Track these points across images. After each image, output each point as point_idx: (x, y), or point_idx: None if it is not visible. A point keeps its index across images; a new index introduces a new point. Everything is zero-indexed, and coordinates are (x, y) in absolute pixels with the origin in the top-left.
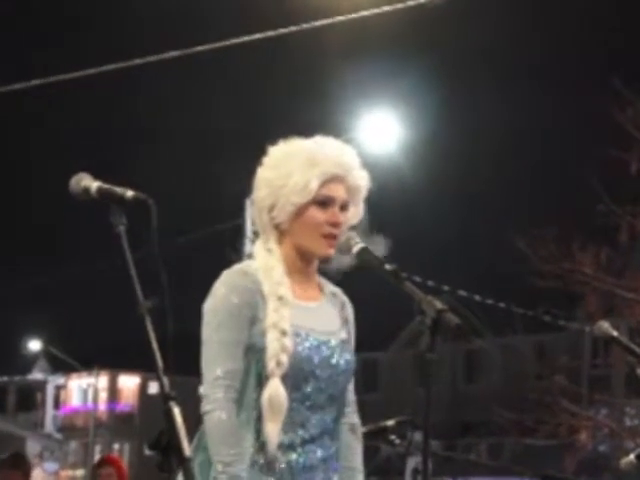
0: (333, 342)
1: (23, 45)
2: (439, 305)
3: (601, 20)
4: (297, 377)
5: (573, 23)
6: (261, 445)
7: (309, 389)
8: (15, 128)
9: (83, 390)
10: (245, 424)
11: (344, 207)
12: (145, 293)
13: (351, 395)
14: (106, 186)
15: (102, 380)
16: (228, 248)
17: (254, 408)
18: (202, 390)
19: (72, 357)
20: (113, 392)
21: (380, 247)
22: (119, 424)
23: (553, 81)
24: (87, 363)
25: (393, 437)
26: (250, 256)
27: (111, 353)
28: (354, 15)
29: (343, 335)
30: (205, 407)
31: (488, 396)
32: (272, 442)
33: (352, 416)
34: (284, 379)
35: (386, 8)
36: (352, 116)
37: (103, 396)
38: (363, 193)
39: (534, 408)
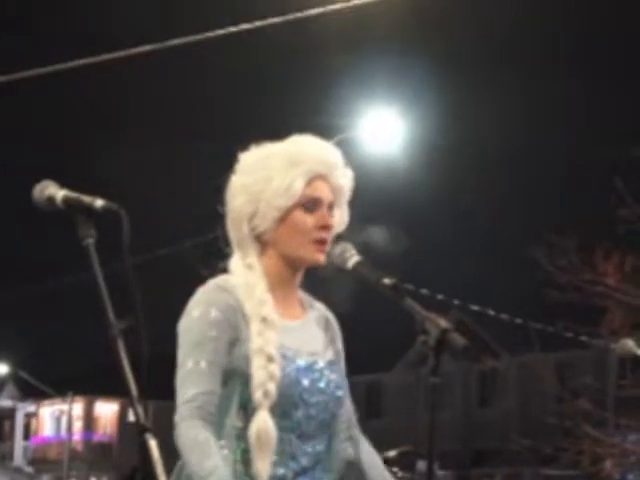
0: (321, 363)
1: None
2: (443, 324)
3: None
4: (285, 403)
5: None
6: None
7: (299, 416)
8: None
9: (56, 418)
10: (227, 450)
11: (331, 209)
12: (117, 312)
13: (349, 411)
14: (73, 195)
15: (77, 407)
16: (199, 264)
17: (238, 438)
18: (175, 415)
19: (44, 382)
20: (89, 420)
21: (377, 237)
22: (96, 456)
23: (572, 72)
24: (60, 388)
25: (395, 469)
26: (224, 271)
27: (87, 378)
28: (350, 4)
29: (329, 355)
30: (176, 430)
31: (504, 421)
32: (262, 479)
33: (353, 431)
34: (271, 407)
35: None
36: (352, 114)
37: (78, 425)
38: (347, 194)
39: (554, 434)
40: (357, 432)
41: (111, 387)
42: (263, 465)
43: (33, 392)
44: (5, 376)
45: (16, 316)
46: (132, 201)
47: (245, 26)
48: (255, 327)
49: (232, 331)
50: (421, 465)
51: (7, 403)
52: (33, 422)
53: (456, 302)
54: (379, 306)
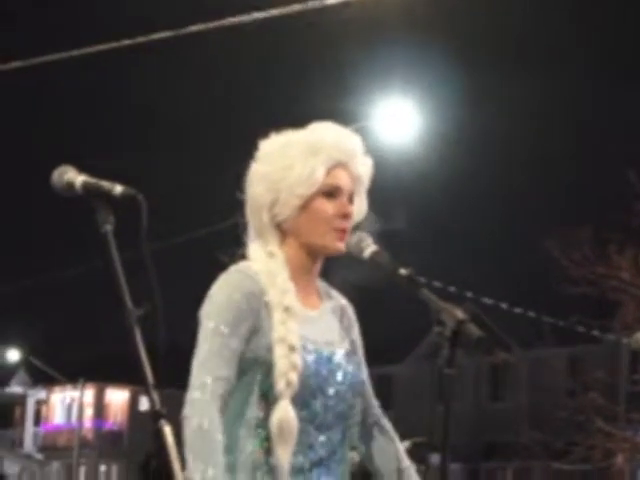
0: (338, 354)
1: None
2: (459, 315)
3: None
4: (305, 394)
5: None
6: (270, 469)
7: (317, 407)
8: None
9: (67, 405)
10: (246, 439)
11: (350, 197)
12: (134, 300)
13: (371, 397)
14: (92, 180)
15: (88, 394)
16: (220, 251)
17: (258, 427)
18: (187, 395)
19: (55, 369)
20: (100, 408)
21: (391, 228)
22: (106, 444)
23: (588, 68)
24: (71, 375)
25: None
26: (243, 258)
27: (98, 365)
28: None
29: (346, 345)
30: (185, 411)
31: (515, 415)
32: (283, 468)
33: (378, 416)
34: (292, 397)
35: None
36: (368, 104)
37: (89, 412)
38: (367, 183)
39: (565, 428)
40: (386, 422)
41: (122, 374)
42: (284, 454)
43: (44, 379)
44: (16, 362)
45: (28, 303)
46: (149, 187)
47: (260, 14)
48: (278, 316)
49: (254, 318)
50: (434, 458)
51: (18, 389)
52: (43, 409)
53: (469, 295)
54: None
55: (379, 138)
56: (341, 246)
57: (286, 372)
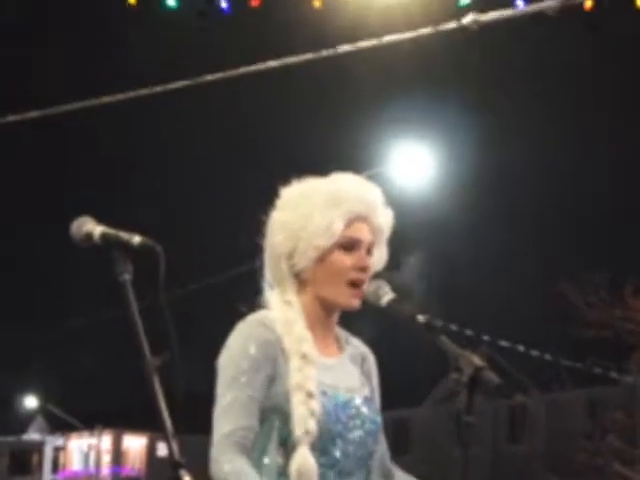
0: (357, 400)
1: (21, 75)
2: (478, 362)
3: None
4: (325, 440)
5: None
6: None
7: (337, 453)
8: (8, 170)
9: (84, 452)
10: None
11: (369, 250)
12: (152, 348)
13: (384, 441)
14: (111, 231)
15: (105, 441)
16: (238, 300)
17: (280, 474)
18: (211, 449)
19: (72, 415)
20: (118, 454)
21: (408, 273)
22: None
23: (599, 108)
24: (89, 422)
25: None
26: (263, 306)
27: (115, 411)
28: (382, 41)
29: (366, 392)
30: (211, 468)
31: (532, 458)
32: None
33: (387, 460)
34: (311, 443)
35: (407, 35)
36: (384, 149)
37: (106, 459)
38: (387, 234)
39: (583, 472)
40: (391, 465)
41: (140, 421)
42: None
43: (61, 425)
44: (34, 409)
45: (46, 350)
46: (166, 235)
47: (274, 63)
48: (295, 363)
49: (271, 366)
50: None
51: (36, 436)
52: (61, 456)
53: (486, 338)
54: (407, 342)
55: (395, 184)
56: (355, 303)
57: (304, 419)
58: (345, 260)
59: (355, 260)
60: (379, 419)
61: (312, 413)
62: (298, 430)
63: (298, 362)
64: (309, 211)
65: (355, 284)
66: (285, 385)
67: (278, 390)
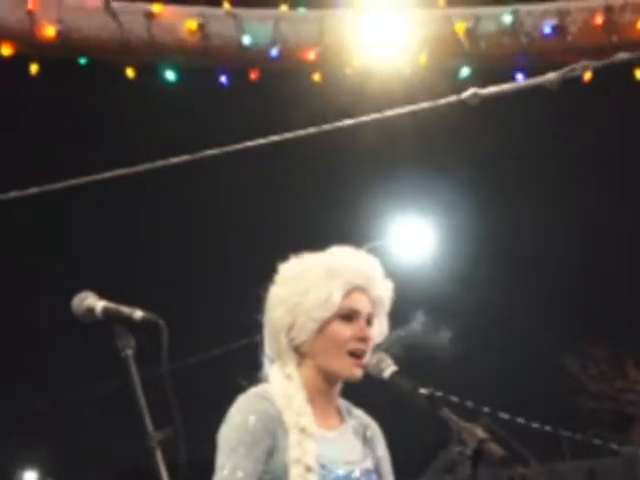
0: (357, 473)
1: (15, 152)
2: (480, 434)
3: None
4: None
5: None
6: None
7: None
8: (6, 241)
9: None
10: None
11: (369, 321)
12: (155, 420)
13: None
14: (113, 306)
15: None
16: (238, 374)
17: None
18: None
19: None
20: None
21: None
22: None
23: (601, 185)
24: None
25: None
26: (264, 380)
27: None
28: (381, 115)
29: (368, 464)
30: None
31: None
32: None
33: None
34: None
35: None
36: (381, 224)
37: None
38: (387, 306)
39: None
40: None
41: None
42: None
43: None
44: None
45: (47, 425)
46: (165, 309)
47: (275, 138)
48: (294, 437)
49: (270, 439)
50: None
51: None
52: None
53: (486, 409)
54: (406, 413)
55: (394, 256)
56: (357, 372)
57: None
58: (345, 330)
59: (355, 330)
60: None
61: None
62: None
63: (297, 436)
64: (307, 285)
65: (356, 354)
66: (284, 459)
67: (277, 464)
